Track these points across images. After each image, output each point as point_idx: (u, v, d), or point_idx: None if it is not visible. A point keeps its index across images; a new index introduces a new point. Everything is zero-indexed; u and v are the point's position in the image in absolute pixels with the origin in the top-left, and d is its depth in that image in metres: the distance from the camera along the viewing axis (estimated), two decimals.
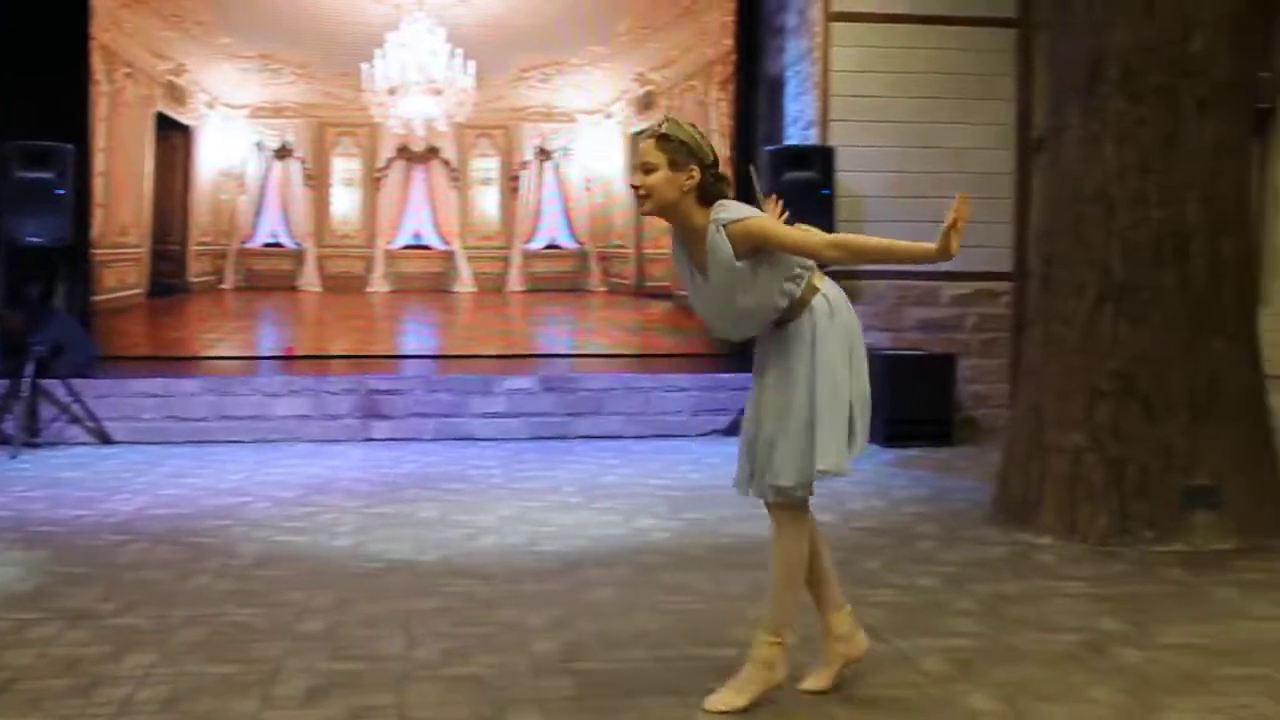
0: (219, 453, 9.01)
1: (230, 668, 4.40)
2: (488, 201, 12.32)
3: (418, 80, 11.86)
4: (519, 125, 12.25)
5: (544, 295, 12.41)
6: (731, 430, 9.97)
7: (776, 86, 11.58)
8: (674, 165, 3.95)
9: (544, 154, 12.30)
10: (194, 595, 5.37)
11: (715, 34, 12.08)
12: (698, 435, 10.03)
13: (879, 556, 6.11)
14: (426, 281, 12.26)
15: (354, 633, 4.82)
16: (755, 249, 3.93)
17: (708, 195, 3.99)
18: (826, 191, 9.88)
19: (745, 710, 4.03)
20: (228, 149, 11.91)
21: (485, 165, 12.26)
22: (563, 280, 12.43)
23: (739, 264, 3.93)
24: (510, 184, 12.30)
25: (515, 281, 12.33)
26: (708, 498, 7.55)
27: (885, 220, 10.29)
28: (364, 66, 11.81)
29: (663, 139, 3.97)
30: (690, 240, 4.04)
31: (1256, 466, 6.54)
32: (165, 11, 11.51)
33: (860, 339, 4.14)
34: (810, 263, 4.06)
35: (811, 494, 4.09)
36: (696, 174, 3.96)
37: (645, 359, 11.72)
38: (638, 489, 7.85)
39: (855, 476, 8.27)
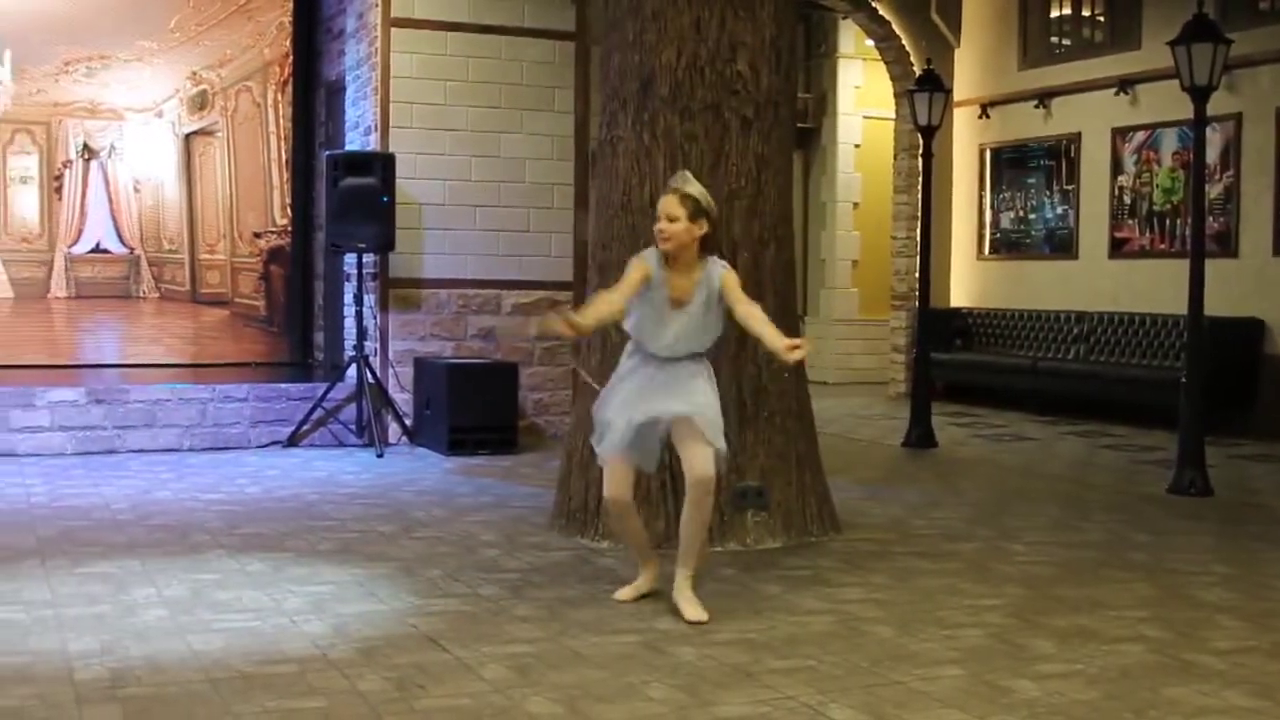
0: None
1: None
2: (27, 202, 11.60)
3: None
4: (61, 121, 11.60)
5: (91, 302, 11.80)
6: (293, 442, 9.76)
7: (336, 90, 11.43)
8: (692, 218, 5.13)
9: (89, 152, 11.69)
10: None
11: (273, 34, 11.82)
12: (258, 447, 9.77)
13: (441, 565, 6.08)
14: None
15: None
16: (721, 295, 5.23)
17: (706, 245, 5.21)
18: (386, 199, 9.80)
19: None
20: None
21: (24, 163, 11.54)
22: (111, 286, 11.86)
23: (716, 300, 5.21)
24: (53, 183, 11.63)
25: (58, 287, 11.66)
26: (264, 512, 7.35)
27: (444, 228, 10.33)
28: None
29: (684, 197, 5.14)
30: (678, 278, 5.20)
31: (800, 467, 6.88)
32: None
33: None
34: None
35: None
36: (706, 227, 5.16)
37: (201, 369, 11.33)
38: (192, 504, 7.56)
39: (418, 485, 8.31)
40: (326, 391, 9.95)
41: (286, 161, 11.96)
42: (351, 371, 9.98)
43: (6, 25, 11.20)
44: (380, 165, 9.90)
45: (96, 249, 11.81)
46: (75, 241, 11.72)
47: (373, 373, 9.95)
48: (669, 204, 5.17)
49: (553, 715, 4.06)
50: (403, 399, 10.24)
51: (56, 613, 5.17)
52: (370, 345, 10.11)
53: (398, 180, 9.97)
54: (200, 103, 11.93)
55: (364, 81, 10.54)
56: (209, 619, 5.10)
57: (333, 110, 11.63)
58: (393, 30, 10.22)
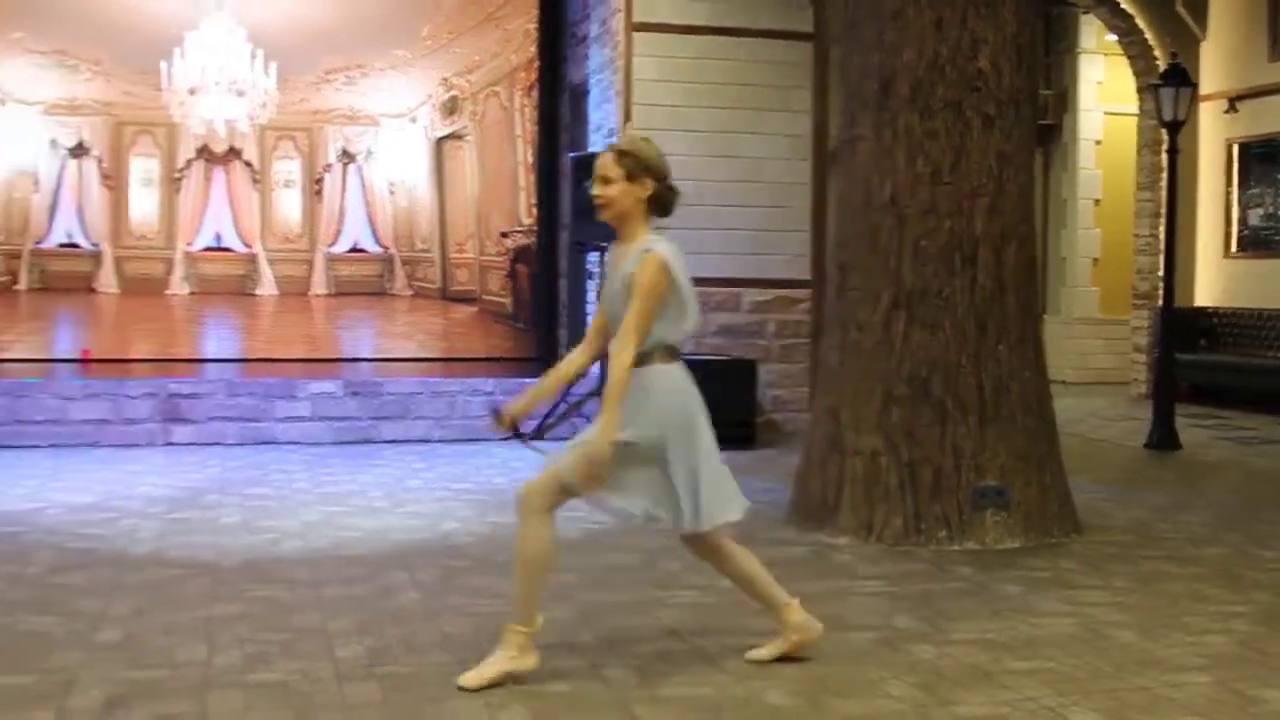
0: (12, 458, 8.74)
1: (26, 678, 4.28)
2: (290, 204, 12.17)
3: (219, 81, 11.65)
4: (322, 128, 12.13)
5: (348, 299, 12.31)
6: (536, 435, 10.01)
7: (580, 94, 11.65)
8: (630, 178, 4.32)
9: (347, 157, 12.20)
10: None
11: (519, 40, 12.13)
12: (504, 439, 10.03)
13: (681, 558, 6.15)
14: (228, 284, 12.08)
15: (153, 640, 4.73)
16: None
17: (662, 206, 4.42)
18: None
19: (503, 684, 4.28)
20: (21, 146, 11.56)
21: (287, 167, 12.12)
22: (367, 284, 12.35)
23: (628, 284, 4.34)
24: (314, 186, 12.17)
25: (319, 285, 12.20)
26: (511, 502, 7.55)
27: (683, 228, 10.44)
28: (163, 65, 11.57)
29: (621, 154, 4.34)
30: (624, 248, 4.43)
31: (1041, 468, 6.81)
32: None
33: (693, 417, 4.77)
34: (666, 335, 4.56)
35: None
36: (651, 186, 4.34)
37: (450, 363, 11.69)
38: (443, 493, 7.84)
39: None
40: (570, 386, 10.17)
41: (532, 164, 12.25)
42: (594, 367, 10.16)
43: (272, 38, 11.77)
44: None
45: (354, 249, 12.31)
46: (334, 241, 12.24)
47: None
48: (603, 165, 4.38)
49: (794, 708, 4.12)
50: None
51: (317, 593, 5.44)
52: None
53: None
54: (451, 108, 12.31)
55: (607, 85, 10.75)
56: (460, 603, 5.30)
57: (577, 113, 11.87)
58: (635, 34, 10.39)
